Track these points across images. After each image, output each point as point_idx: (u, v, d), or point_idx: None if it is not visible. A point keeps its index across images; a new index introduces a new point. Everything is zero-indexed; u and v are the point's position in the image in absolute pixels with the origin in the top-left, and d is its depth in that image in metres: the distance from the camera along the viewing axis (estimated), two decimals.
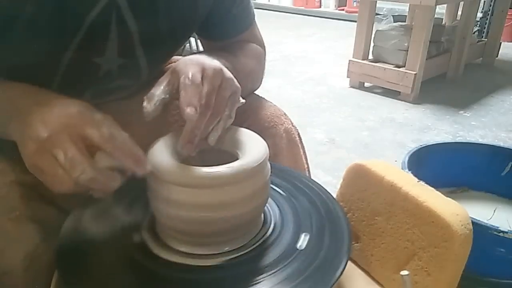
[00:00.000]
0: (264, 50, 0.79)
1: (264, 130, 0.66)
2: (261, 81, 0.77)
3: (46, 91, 0.48)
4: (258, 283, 0.43)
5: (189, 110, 0.44)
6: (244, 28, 0.74)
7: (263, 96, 0.76)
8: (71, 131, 0.41)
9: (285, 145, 0.70)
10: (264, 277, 0.44)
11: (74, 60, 0.57)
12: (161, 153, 0.47)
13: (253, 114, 0.70)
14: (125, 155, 0.42)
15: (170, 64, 0.49)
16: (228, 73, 0.50)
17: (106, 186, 0.42)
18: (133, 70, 0.65)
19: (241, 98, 0.53)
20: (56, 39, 0.55)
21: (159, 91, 0.49)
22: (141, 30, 0.60)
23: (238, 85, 0.52)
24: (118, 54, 0.60)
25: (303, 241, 0.49)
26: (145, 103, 0.48)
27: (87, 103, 0.45)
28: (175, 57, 0.85)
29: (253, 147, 0.48)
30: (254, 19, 0.76)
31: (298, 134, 0.74)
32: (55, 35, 0.54)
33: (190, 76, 0.47)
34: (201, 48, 3.10)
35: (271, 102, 0.74)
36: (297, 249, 0.47)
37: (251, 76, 0.72)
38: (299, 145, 0.73)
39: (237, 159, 0.47)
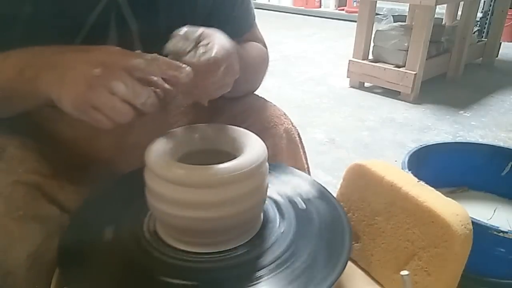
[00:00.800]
0: (266, 50, 0.79)
1: (264, 130, 0.66)
2: (262, 80, 0.77)
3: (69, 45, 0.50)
4: (258, 282, 0.43)
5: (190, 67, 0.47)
6: (245, 30, 0.74)
7: (263, 96, 0.76)
8: (121, 64, 0.44)
9: (285, 145, 0.70)
10: (264, 277, 0.44)
11: None
12: (160, 152, 0.47)
13: (253, 114, 0.70)
14: (170, 69, 0.46)
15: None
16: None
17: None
18: None
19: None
20: (58, 39, 0.55)
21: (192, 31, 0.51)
22: (141, 28, 0.60)
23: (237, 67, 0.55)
24: None
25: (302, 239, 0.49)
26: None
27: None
28: None
29: (251, 147, 0.48)
30: (254, 20, 0.76)
31: (298, 134, 0.74)
32: (56, 36, 0.54)
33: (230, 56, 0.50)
34: None
35: (271, 102, 0.74)
36: (296, 247, 0.47)
37: (255, 75, 0.72)
38: (299, 145, 0.73)
39: (235, 159, 0.47)
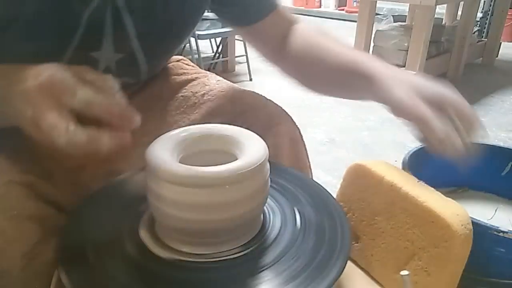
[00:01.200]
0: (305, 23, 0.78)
1: (265, 129, 0.66)
2: None
3: (18, 66, 0.45)
4: (258, 282, 0.43)
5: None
6: (271, 8, 0.73)
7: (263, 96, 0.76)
8: (56, 100, 0.40)
9: (287, 144, 0.70)
10: (264, 277, 0.44)
11: (74, 56, 0.57)
12: (160, 153, 0.47)
13: (254, 113, 0.70)
14: (108, 115, 0.40)
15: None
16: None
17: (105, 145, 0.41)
18: (131, 67, 0.65)
19: None
20: (56, 38, 0.55)
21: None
22: (137, 24, 0.60)
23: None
24: (115, 49, 0.60)
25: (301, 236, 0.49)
26: None
27: (57, 65, 0.43)
28: (175, 57, 0.85)
29: (252, 148, 0.48)
30: None
31: (300, 132, 0.74)
32: (54, 35, 0.54)
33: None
34: (201, 49, 3.06)
35: (271, 101, 0.74)
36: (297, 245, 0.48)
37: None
38: (301, 143, 0.73)
39: (236, 159, 0.47)
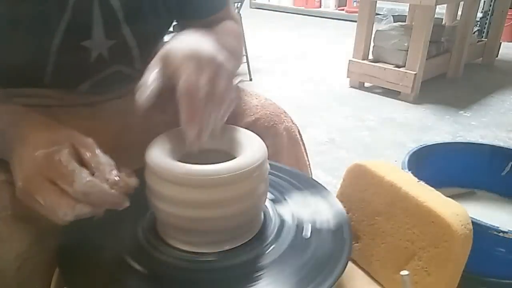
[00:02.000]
0: (239, 26, 0.77)
1: (264, 129, 0.66)
2: (242, 59, 0.76)
3: (23, 125, 0.47)
4: (258, 282, 0.43)
5: (190, 132, 0.45)
6: (221, 7, 0.73)
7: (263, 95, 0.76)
8: (45, 184, 0.41)
9: (286, 144, 0.70)
10: (264, 276, 0.44)
11: (63, 46, 0.57)
12: (159, 152, 0.47)
13: (253, 113, 0.70)
14: (103, 203, 0.42)
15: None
16: (221, 58, 0.48)
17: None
18: (123, 53, 0.65)
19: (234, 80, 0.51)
20: (42, 25, 0.55)
21: (151, 79, 0.47)
22: (124, 7, 0.59)
23: (230, 67, 0.49)
24: (105, 36, 0.60)
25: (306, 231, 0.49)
26: (137, 94, 0.47)
27: (57, 147, 0.42)
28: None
29: (251, 147, 0.48)
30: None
31: (299, 131, 0.74)
32: (41, 22, 0.54)
33: (188, 82, 0.45)
34: None
35: (270, 100, 0.74)
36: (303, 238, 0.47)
37: (234, 55, 0.67)
38: (300, 142, 0.73)
39: (235, 158, 0.47)
